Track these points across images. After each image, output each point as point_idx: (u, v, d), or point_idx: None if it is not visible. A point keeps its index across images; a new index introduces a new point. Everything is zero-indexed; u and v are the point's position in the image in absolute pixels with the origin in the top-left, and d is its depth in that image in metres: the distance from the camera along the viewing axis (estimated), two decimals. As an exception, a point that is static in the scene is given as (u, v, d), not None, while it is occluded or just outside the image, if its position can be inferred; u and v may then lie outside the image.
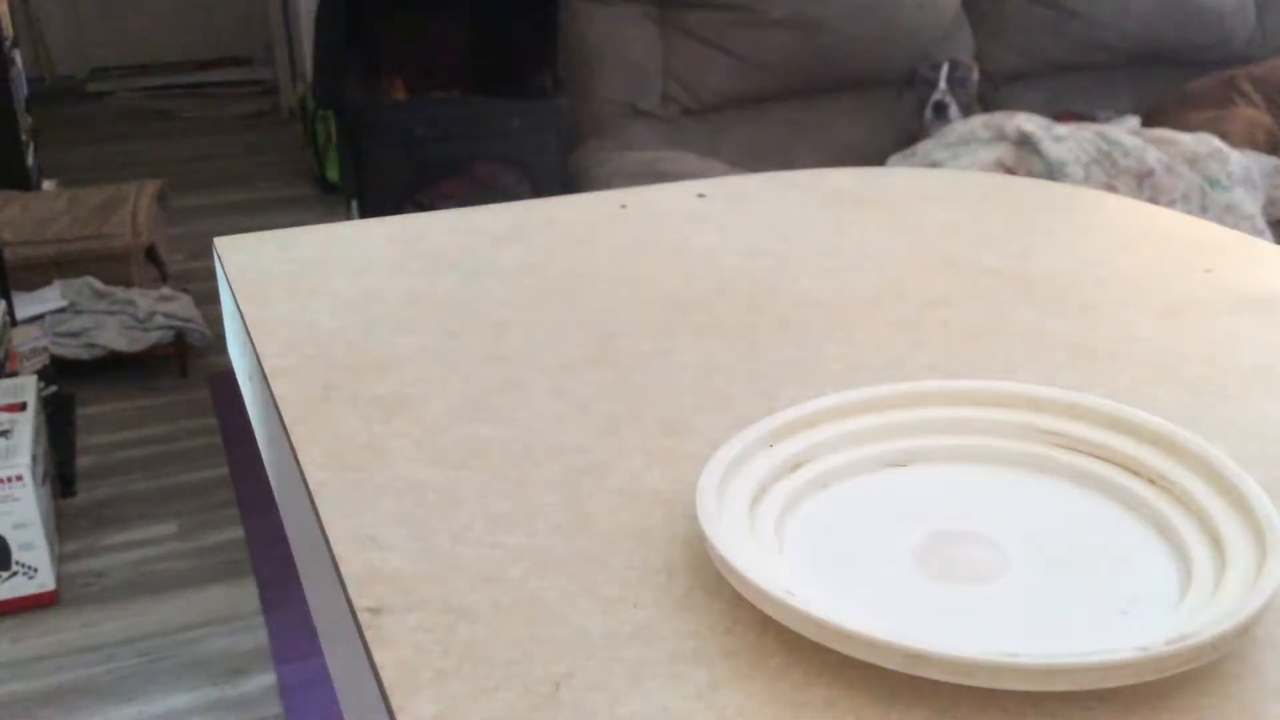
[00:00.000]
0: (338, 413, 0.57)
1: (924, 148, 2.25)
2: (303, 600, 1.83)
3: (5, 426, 1.87)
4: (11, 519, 1.78)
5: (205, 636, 1.80)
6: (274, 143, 4.49)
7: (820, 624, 0.38)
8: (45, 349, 2.41)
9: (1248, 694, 0.38)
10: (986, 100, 2.52)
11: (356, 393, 0.59)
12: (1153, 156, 2.06)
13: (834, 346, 0.64)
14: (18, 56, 3.45)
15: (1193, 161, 2.07)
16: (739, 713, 0.38)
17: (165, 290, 2.72)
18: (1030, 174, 2.08)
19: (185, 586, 1.93)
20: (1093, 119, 2.46)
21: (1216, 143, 2.12)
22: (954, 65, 2.46)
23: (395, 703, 0.38)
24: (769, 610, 0.40)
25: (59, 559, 1.96)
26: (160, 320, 2.56)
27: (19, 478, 1.77)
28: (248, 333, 0.66)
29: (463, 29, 2.52)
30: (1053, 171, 2.06)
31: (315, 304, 0.69)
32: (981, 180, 0.95)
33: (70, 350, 2.49)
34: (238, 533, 2.07)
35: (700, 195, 0.90)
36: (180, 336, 2.59)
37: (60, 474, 2.17)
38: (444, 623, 0.42)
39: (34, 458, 1.82)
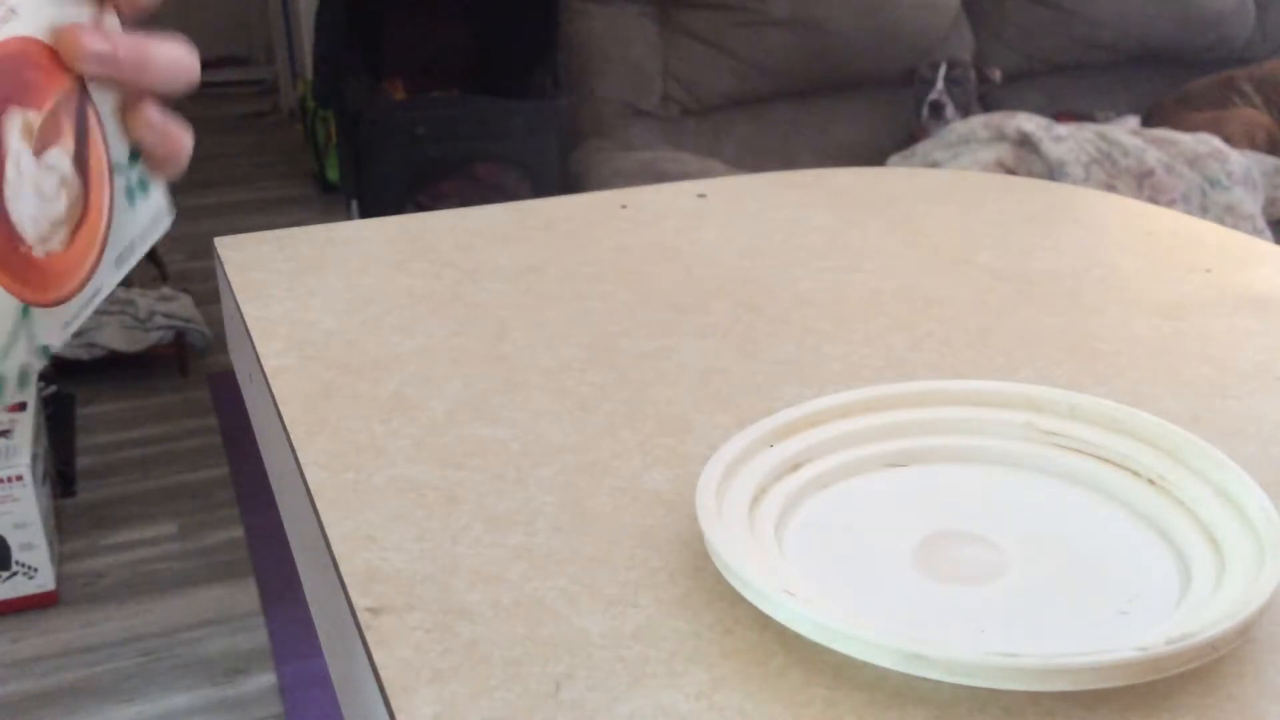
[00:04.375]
0: (338, 413, 0.57)
1: (924, 148, 2.25)
2: (303, 600, 1.83)
3: (5, 426, 1.87)
4: (11, 519, 1.78)
5: (205, 636, 1.80)
6: (274, 143, 4.48)
7: (820, 624, 0.38)
8: (45, 349, 2.41)
9: (1248, 694, 0.38)
10: (986, 100, 2.52)
11: (356, 393, 0.59)
12: (1153, 156, 2.06)
13: (834, 346, 0.64)
14: (18, 56, 3.45)
15: (1193, 161, 2.07)
16: (739, 713, 0.38)
17: (165, 290, 2.71)
18: (1030, 174, 2.08)
19: (185, 586, 1.92)
20: (1093, 119, 2.46)
21: (1216, 143, 2.12)
22: (952, 65, 2.46)
23: (395, 703, 0.38)
24: (769, 610, 0.40)
25: (59, 559, 1.96)
26: (160, 320, 2.56)
27: (19, 478, 1.77)
28: (248, 333, 0.66)
29: (463, 29, 2.52)
30: (1053, 171, 2.06)
31: (315, 304, 0.69)
32: (981, 180, 0.95)
33: (70, 350, 2.49)
34: (238, 533, 2.06)
35: (700, 195, 0.90)
36: (180, 336, 2.58)
37: (60, 474, 2.17)
38: (444, 623, 0.42)
39: (34, 458, 1.82)
